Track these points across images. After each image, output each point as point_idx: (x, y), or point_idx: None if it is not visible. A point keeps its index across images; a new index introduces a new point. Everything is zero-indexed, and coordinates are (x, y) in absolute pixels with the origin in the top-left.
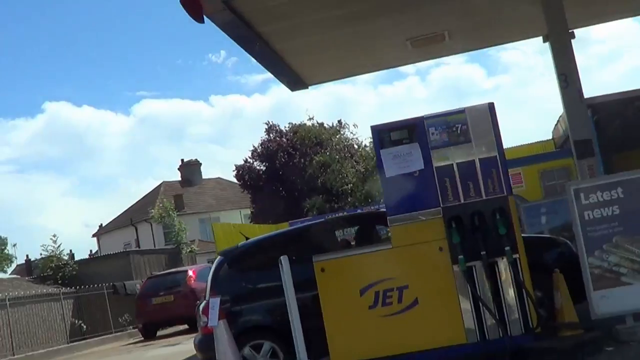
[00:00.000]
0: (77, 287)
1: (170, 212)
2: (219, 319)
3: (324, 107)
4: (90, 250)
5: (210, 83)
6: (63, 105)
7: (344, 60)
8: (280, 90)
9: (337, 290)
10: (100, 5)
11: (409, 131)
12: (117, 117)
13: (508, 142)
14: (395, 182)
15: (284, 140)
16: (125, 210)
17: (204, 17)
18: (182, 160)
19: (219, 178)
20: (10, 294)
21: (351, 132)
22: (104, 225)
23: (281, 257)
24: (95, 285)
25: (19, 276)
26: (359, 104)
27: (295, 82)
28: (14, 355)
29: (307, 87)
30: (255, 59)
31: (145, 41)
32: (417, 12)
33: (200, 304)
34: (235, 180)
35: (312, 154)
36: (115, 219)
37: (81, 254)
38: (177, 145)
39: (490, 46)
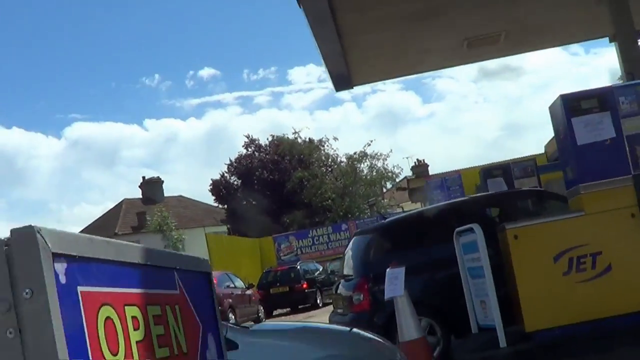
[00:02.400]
0: None
1: (169, 223)
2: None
3: (262, 133)
4: None
5: (144, 106)
6: None
7: (399, 59)
8: (216, 114)
9: (530, 257)
10: (31, 23)
11: (598, 100)
12: (48, 140)
13: (449, 166)
14: (586, 150)
15: (263, 155)
16: (84, 229)
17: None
18: (144, 177)
19: (180, 196)
20: None
21: (332, 148)
22: None
23: (472, 225)
24: None
25: None
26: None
27: (344, 80)
28: None
29: (352, 87)
30: (321, 50)
31: (78, 62)
32: (482, 10)
33: (339, 283)
34: (196, 198)
35: (291, 169)
36: None
37: None
38: (110, 169)
39: (548, 48)
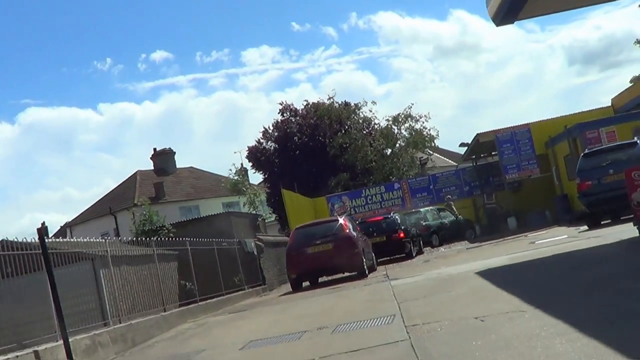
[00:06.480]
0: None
1: (244, 182)
2: None
3: (216, 116)
4: None
5: (97, 90)
6: None
7: None
8: (171, 97)
9: None
10: None
11: None
12: (2, 126)
13: (564, 110)
14: None
15: (299, 119)
16: (98, 201)
17: None
18: (155, 149)
19: (191, 167)
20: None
21: (370, 110)
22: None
23: None
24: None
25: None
26: (252, 111)
27: (509, 13)
28: (165, 311)
29: (513, 23)
30: None
31: (28, 47)
32: None
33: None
34: (204, 169)
35: (331, 132)
36: (85, 211)
37: None
38: (66, 154)
39: None
